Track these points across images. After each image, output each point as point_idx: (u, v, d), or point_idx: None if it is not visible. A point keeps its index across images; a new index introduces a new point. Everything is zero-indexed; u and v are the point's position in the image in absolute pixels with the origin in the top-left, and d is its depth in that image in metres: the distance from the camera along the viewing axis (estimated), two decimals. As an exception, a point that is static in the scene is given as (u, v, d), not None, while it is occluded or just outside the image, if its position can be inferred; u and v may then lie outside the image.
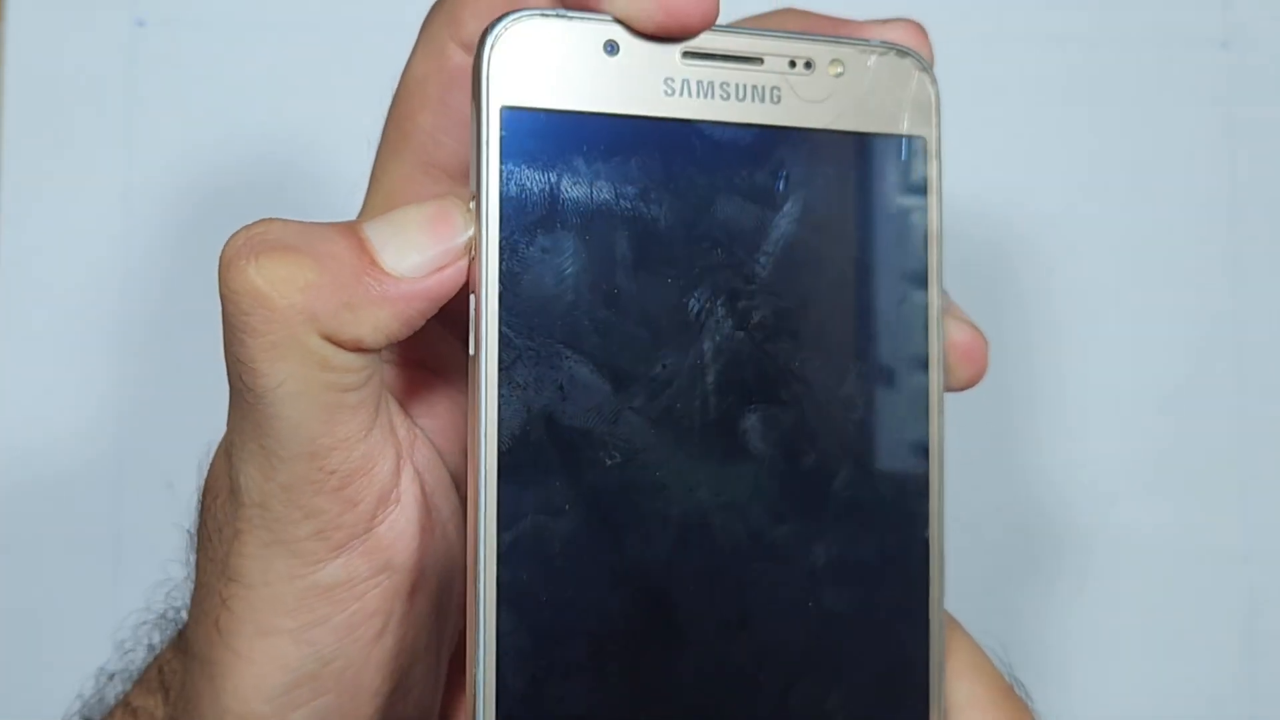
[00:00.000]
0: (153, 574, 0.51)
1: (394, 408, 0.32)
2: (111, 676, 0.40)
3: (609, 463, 0.29)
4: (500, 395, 0.29)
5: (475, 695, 0.29)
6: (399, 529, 0.31)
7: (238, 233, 0.29)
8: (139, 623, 0.40)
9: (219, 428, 0.31)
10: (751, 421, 0.30)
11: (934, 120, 0.32)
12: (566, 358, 0.29)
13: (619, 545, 0.30)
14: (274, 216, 0.30)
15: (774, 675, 0.30)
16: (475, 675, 0.29)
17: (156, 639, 0.39)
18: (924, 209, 0.32)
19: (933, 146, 0.32)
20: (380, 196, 0.33)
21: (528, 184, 0.29)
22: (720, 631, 0.30)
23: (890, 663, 0.31)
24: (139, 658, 0.39)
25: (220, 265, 0.29)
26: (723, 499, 0.30)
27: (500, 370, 0.29)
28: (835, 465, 0.31)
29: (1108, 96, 0.66)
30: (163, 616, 0.40)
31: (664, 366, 0.30)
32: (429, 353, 0.33)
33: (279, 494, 0.30)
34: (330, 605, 0.31)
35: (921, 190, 0.32)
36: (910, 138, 0.32)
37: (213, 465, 0.33)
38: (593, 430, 0.29)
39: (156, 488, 0.60)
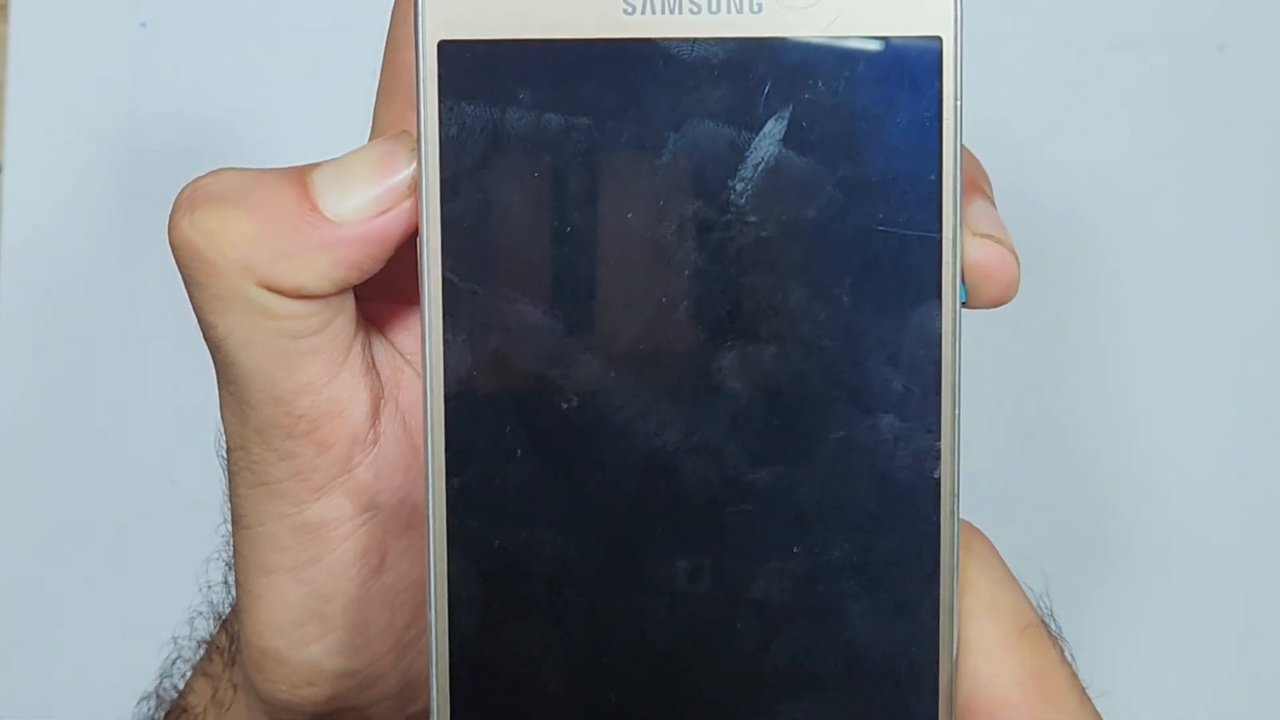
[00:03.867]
0: (155, 571, 0.51)
1: (379, 345, 0.32)
2: (195, 617, 0.41)
3: (564, 408, 0.28)
4: (445, 343, 0.28)
5: (430, 644, 0.29)
6: (379, 469, 0.31)
7: (187, 185, 0.29)
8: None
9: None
10: (725, 361, 0.29)
11: (952, 14, 0.29)
12: (516, 302, 0.28)
13: (571, 493, 0.29)
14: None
15: (757, 625, 0.29)
16: (430, 622, 0.29)
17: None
18: (935, 120, 0.29)
19: (949, 48, 0.28)
20: (375, 137, 0.32)
21: (470, 122, 0.28)
22: (690, 584, 0.29)
23: (893, 609, 0.30)
24: (216, 597, 0.41)
25: (168, 219, 0.29)
26: (693, 442, 0.29)
27: (445, 317, 0.28)
28: (823, 401, 0.29)
29: (1105, 98, 0.65)
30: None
31: (626, 307, 0.28)
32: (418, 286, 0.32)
33: (254, 438, 0.30)
34: (319, 545, 0.31)
35: (934, 100, 0.29)
36: (920, 40, 0.29)
37: None
38: (545, 377, 0.28)
39: (160, 485, 0.61)
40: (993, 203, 0.31)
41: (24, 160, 0.64)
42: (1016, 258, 0.30)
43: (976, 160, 0.31)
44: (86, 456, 0.63)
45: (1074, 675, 0.30)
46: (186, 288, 0.29)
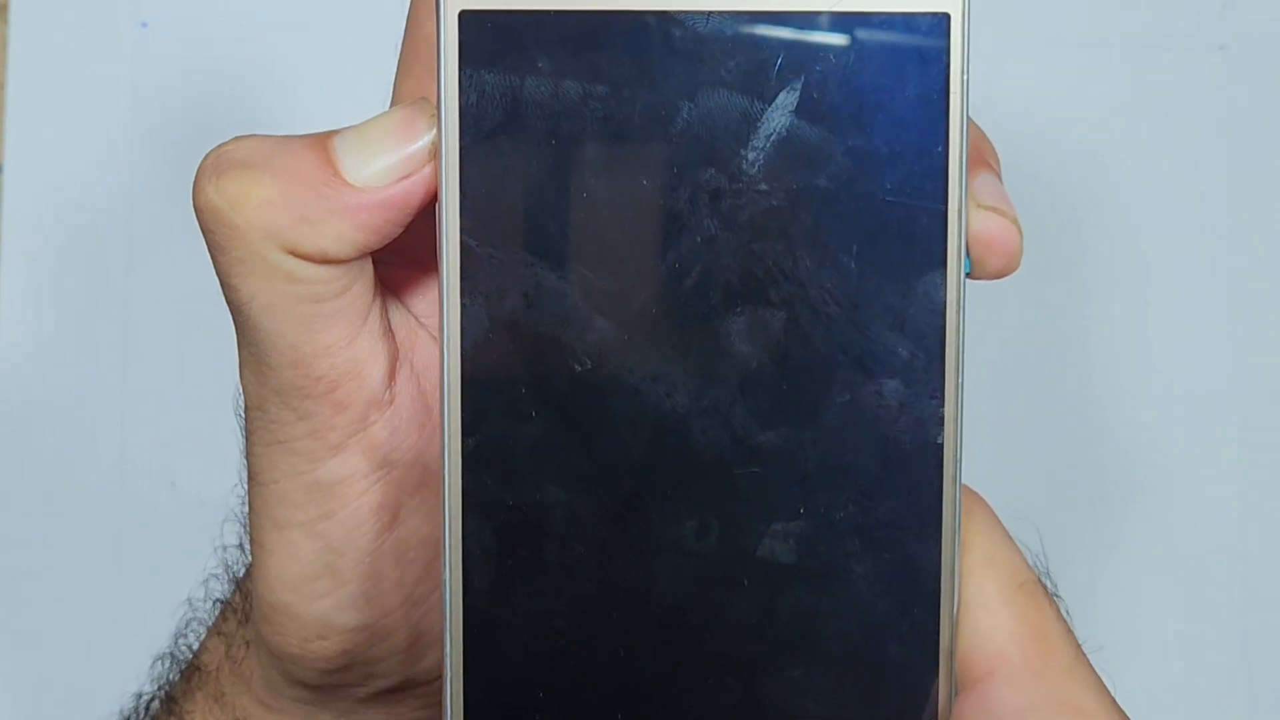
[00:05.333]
0: (153, 572, 0.51)
1: (394, 309, 0.33)
2: (209, 578, 0.42)
3: (578, 371, 0.29)
4: (462, 306, 0.29)
5: (445, 602, 0.30)
6: (394, 428, 0.32)
7: (210, 151, 0.30)
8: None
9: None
10: (735, 326, 0.30)
11: None
12: (532, 267, 0.29)
13: (584, 454, 0.30)
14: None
15: (764, 584, 0.30)
16: (444, 579, 0.30)
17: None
18: (942, 94, 0.30)
19: (957, 24, 0.29)
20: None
21: (489, 90, 0.29)
22: (698, 542, 0.30)
23: (896, 569, 0.30)
24: (231, 558, 0.41)
25: (193, 184, 0.30)
26: (703, 405, 0.30)
27: (462, 280, 0.29)
28: (831, 367, 0.30)
29: (1105, 98, 0.65)
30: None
31: (638, 273, 0.29)
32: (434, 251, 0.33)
33: (273, 398, 0.31)
34: (333, 500, 0.32)
35: (942, 74, 0.30)
36: (929, 15, 0.30)
37: None
38: (560, 340, 0.29)
39: (160, 486, 0.62)
40: (999, 177, 0.32)
41: (24, 160, 0.64)
42: (1020, 230, 0.31)
43: (985, 136, 0.32)
44: (86, 456, 0.63)
45: (1069, 631, 0.31)
46: (210, 252, 0.30)
